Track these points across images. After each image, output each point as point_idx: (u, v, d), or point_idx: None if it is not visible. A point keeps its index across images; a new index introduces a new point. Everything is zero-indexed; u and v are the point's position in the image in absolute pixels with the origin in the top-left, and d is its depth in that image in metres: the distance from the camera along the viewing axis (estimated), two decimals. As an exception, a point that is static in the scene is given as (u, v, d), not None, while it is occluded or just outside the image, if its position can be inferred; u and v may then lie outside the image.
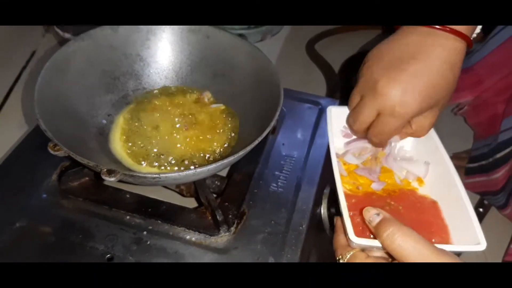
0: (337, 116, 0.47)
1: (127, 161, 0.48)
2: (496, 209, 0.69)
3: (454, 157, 0.75)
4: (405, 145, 0.48)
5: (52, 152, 0.37)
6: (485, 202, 0.70)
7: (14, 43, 0.95)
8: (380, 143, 0.44)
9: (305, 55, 0.97)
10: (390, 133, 0.41)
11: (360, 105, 0.41)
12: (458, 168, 0.70)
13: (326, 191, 0.50)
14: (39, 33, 1.00)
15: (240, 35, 0.51)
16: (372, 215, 0.35)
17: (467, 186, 0.69)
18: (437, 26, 0.38)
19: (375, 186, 0.44)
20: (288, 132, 0.56)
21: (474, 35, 0.41)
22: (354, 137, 0.48)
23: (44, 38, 1.00)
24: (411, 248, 0.31)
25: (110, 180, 0.35)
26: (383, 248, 0.34)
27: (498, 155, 0.61)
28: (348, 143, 0.48)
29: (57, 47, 0.93)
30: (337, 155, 0.46)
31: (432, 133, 0.45)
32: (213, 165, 0.38)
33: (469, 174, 0.68)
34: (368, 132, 0.43)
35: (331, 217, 0.49)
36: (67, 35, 0.87)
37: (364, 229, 0.38)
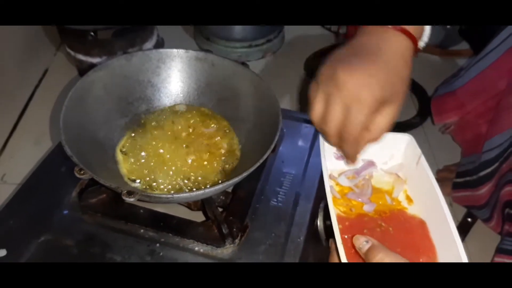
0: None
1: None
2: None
3: (445, 170, 0.80)
4: (390, 164, 0.51)
5: (77, 175, 0.42)
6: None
7: (26, 62, 1.00)
8: (354, 153, 0.44)
9: (304, 72, 1.02)
10: (358, 128, 0.40)
11: (327, 104, 0.41)
12: (448, 180, 0.75)
13: (322, 204, 0.55)
14: (51, 52, 1.05)
15: (243, 63, 0.56)
16: (362, 242, 0.38)
17: (455, 200, 0.74)
18: (390, 26, 0.41)
19: (367, 208, 0.47)
20: (287, 150, 0.60)
21: (423, 43, 0.44)
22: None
23: (56, 56, 1.05)
24: None
25: (130, 200, 0.40)
26: None
27: (482, 173, 0.65)
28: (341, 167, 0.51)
29: (68, 66, 0.98)
30: (331, 177, 0.50)
31: (419, 152, 0.48)
32: (220, 186, 0.43)
33: (456, 188, 0.73)
34: (341, 137, 0.43)
35: (326, 228, 0.53)
36: (78, 56, 0.93)
37: (357, 252, 0.40)
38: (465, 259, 0.39)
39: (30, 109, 0.92)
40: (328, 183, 0.45)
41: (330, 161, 0.50)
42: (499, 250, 0.60)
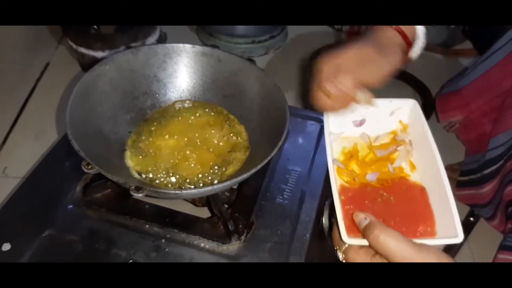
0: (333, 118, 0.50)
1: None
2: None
3: (448, 169, 0.79)
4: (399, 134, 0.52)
5: (85, 170, 0.42)
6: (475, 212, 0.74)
7: (27, 55, 0.99)
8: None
9: (306, 68, 1.01)
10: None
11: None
12: (450, 179, 0.75)
13: (328, 202, 0.55)
14: (53, 46, 1.05)
15: (249, 60, 0.56)
16: (361, 219, 0.40)
17: (459, 198, 0.74)
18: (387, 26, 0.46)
19: (370, 177, 0.47)
20: (292, 147, 0.60)
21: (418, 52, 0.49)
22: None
23: (57, 50, 1.04)
24: (393, 246, 0.37)
25: (138, 196, 0.40)
26: (370, 246, 0.39)
27: (486, 171, 0.65)
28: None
29: (69, 59, 0.98)
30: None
31: (423, 120, 0.49)
32: (228, 182, 0.43)
33: (459, 187, 0.73)
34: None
35: (331, 227, 0.53)
36: (80, 49, 0.92)
37: None
38: (460, 234, 0.40)
39: (31, 103, 0.91)
40: (330, 152, 0.46)
41: (335, 141, 0.51)
42: (502, 247, 0.60)
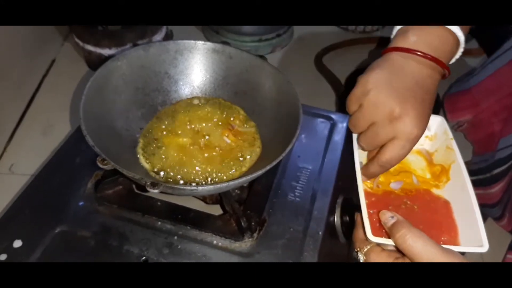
0: None
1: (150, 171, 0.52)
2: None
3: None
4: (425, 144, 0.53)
5: (100, 165, 0.41)
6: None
7: (34, 52, 0.98)
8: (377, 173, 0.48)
9: (313, 67, 1.01)
10: (397, 157, 0.44)
11: (375, 130, 0.44)
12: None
13: (339, 200, 0.55)
14: (58, 42, 1.04)
15: (261, 56, 0.56)
16: (388, 217, 0.40)
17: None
18: (420, 53, 0.44)
19: (394, 186, 0.48)
20: (303, 145, 0.60)
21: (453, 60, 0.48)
22: None
23: (63, 47, 1.04)
24: (420, 247, 0.36)
25: (154, 191, 0.39)
26: (396, 246, 0.38)
27: (495, 171, 0.65)
28: None
29: (75, 56, 0.97)
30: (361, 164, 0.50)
31: (450, 134, 0.50)
32: (244, 179, 0.43)
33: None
34: (379, 153, 0.46)
35: (344, 225, 0.53)
36: (87, 46, 0.92)
37: (381, 226, 0.42)
38: (486, 243, 0.40)
39: (37, 99, 0.91)
40: (357, 158, 0.47)
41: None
42: (512, 247, 0.60)
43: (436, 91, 0.46)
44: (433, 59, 0.44)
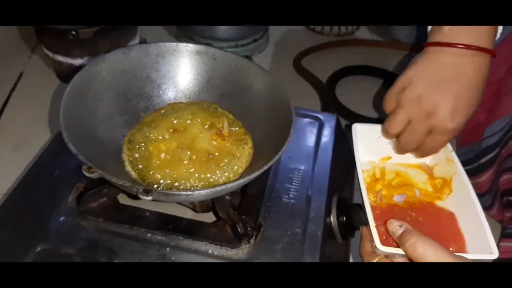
0: (362, 133, 0.52)
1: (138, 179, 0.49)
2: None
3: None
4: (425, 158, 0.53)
5: (86, 174, 0.38)
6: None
7: (0, 65, 0.94)
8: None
9: (292, 70, 1.01)
10: (438, 149, 0.46)
11: (412, 127, 0.45)
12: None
13: (334, 200, 0.53)
14: (26, 54, 0.99)
15: (247, 57, 0.54)
16: (396, 226, 0.39)
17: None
18: (461, 46, 0.43)
19: (397, 198, 0.48)
20: (293, 146, 0.58)
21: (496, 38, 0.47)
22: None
23: (31, 59, 0.99)
24: (432, 255, 0.35)
25: (147, 199, 0.37)
26: (406, 255, 0.37)
27: (482, 160, 0.66)
28: None
29: (44, 68, 0.93)
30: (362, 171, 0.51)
31: (450, 147, 0.51)
32: (241, 180, 0.40)
33: (455, 178, 0.73)
34: (417, 149, 0.48)
35: (340, 225, 0.52)
36: (57, 57, 0.87)
37: (388, 238, 0.41)
38: (495, 250, 0.40)
39: (5, 114, 0.86)
40: (361, 173, 0.47)
41: (363, 152, 0.51)
42: (505, 235, 0.60)
43: (485, 73, 0.45)
44: (467, 47, 0.43)
